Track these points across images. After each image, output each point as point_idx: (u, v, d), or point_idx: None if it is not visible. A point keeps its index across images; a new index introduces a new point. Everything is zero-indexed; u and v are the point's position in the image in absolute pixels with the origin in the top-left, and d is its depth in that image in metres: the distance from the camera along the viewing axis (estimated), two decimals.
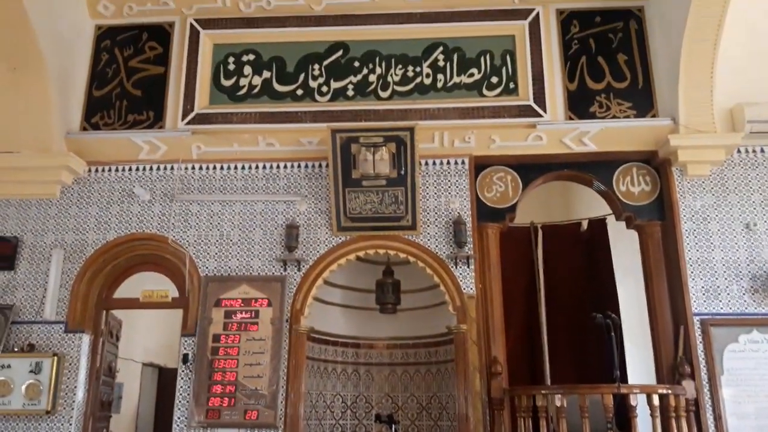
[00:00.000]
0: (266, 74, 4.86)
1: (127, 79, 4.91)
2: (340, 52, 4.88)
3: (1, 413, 4.29)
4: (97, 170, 4.79)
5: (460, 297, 4.35)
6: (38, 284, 4.56)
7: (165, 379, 7.23)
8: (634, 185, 4.54)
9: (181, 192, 4.66)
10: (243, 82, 4.85)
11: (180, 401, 4.32)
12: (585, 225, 5.24)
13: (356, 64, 4.85)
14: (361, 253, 4.57)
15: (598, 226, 5.19)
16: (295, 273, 4.48)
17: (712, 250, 4.36)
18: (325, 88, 4.82)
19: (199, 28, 4.90)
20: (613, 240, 5.12)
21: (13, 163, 4.66)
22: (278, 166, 4.72)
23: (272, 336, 4.35)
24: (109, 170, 4.78)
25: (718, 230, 4.40)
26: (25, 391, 4.29)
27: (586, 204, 5.37)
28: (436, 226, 4.52)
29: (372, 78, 4.82)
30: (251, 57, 4.89)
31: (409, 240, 4.50)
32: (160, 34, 4.97)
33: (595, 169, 4.59)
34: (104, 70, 4.94)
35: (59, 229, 4.68)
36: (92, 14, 5.00)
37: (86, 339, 4.51)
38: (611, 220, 4.95)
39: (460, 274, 4.40)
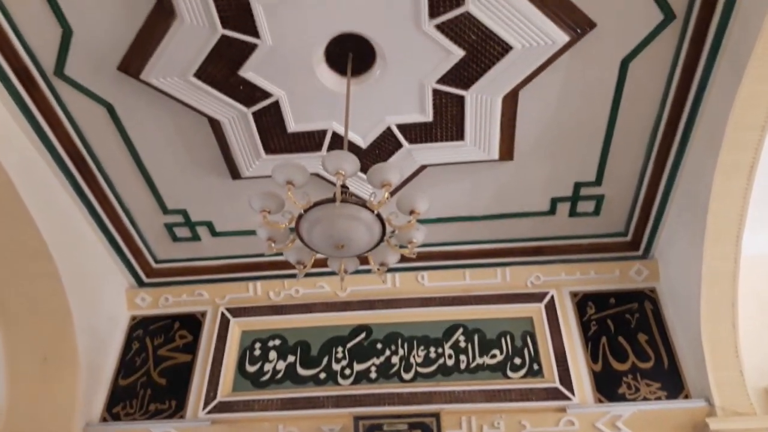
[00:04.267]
0: (290, 359, 4.92)
1: (154, 368, 4.98)
2: (363, 335, 5.00)
3: None
4: None
5: None
6: None
7: None
8: None
9: None
10: (267, 367, 4.90)
11: None
12: None
13: (379, 346, 4.93)
14: None
15: None
16: None
17: None
18: (348, 371, 4.83)
19: (229, 316, 5.13)
20: None
21: None
22: None
23: None
24: None
25: None
26: None
27: None
28: None
29: (394, 360, 4.85)
30: (277, 342, 5.01)
31: None
32: (192, 323, 5.19)
33: None
34: (133, 359, 5.05)
35: None
36: (129, 306, 5.30)
37: None
38: None
39: None
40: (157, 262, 5.41)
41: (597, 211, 4.93)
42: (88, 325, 4.74)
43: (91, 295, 4.84)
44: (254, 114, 4.09)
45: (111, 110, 4.09)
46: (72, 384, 4.62)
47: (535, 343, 4.81)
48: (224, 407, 4.67)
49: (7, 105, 3.79)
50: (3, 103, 3.76)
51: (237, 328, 5.10)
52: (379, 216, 2.96)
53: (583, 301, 4.99)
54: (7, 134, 3.83)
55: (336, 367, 4.86)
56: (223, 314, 5.15)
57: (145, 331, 5.19)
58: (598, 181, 4.66)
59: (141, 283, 5.37)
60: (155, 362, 5.01)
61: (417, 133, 4.24)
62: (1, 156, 3.75)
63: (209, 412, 4.65)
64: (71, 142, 4.23)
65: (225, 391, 4.77)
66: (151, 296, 5.32)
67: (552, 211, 4.94)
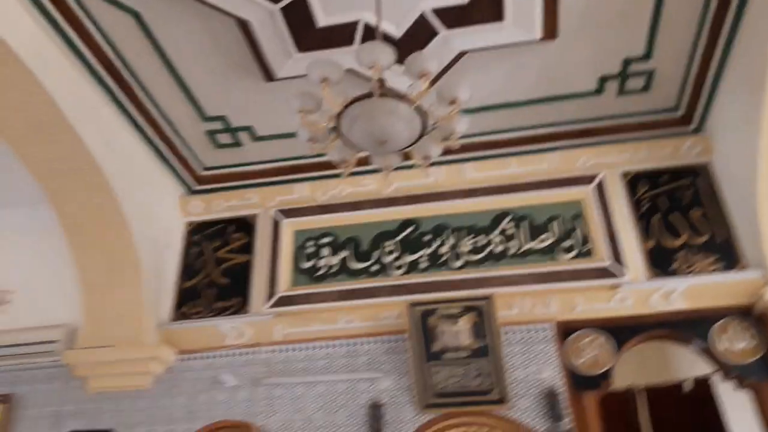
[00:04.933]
0: (343, 254, 5.07)
1: (214, 269, 5.22)
2: (411, 228, 5.07)
3: None
4: (185, 359, 4.96)
5: None
6: None
7: None
8: (735, 342, 4.25)
9: (266, 375, 4.72)
10: (321, 263, 5.07)
11: None
12: (689, 385, 4.87)
13: (427, 237, 5.01)
14: None
15: (703, 384, 4.81)
16: None
17: None
18: (399, 263, 4.95)
19: (280, 217, 5.26)
20: (724, 395, 4.71)
21: (107, 357, 4.88)
22: (358, 343, 4.75)
23: None
24: (197, 358, 4.94)
25: None
26: None
27: (687, 362, 5.03)
28: (528, 398, 4.32)
29: (444, 250, 4.93)
30: (328, 239, 5.15)
31: (500, 416, 4.28)
32: (245, 225, 5.36)
33: (690, 327, 4.35)
34: (193, 263, 5.30)
35: (150, 420, 4.76)
36: (184, 213, 5.49)
37: None
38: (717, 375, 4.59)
39: None
40: (204, 169, 5.54)
41: (647, 87, 4.70)
42: (146, 234, 4.95)
43: (145, 205, 5.02)
44: (282, 10, 3.95)
45: (138, 18, 4.03)
46: (138, 289, 4.91)
47: (585, 225, 4.79)
48: (285, 301, 4.91)
49: (39, 24, 3.77)
50: (35, 22, 3.73)
51: (288, 228, 5.25)
52: (419, 108, 2.89)
53: (634, 181, 4.88)
54: (44, 54, 3.83)
55: (387, 259, 4.98)
56: (274, 217, 5.29)
57: (201, 236, 5.40)
58: (648, 56, 4.40)
59: (192, 191, 5.53)
60: (215, 264, 5.24)
61: (453, 16, 4.04)
62: (41, 76, 3.78)
63: (272, 306, 4.90)
64: (105, 56, 4.22)
65: (284, 286, 4.99)
66: (203, 202, 5.48)
67: (599, 90, 4.73)
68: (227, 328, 4.92)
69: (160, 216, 5.23)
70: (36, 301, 5.50)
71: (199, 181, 5.52)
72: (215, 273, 5.21)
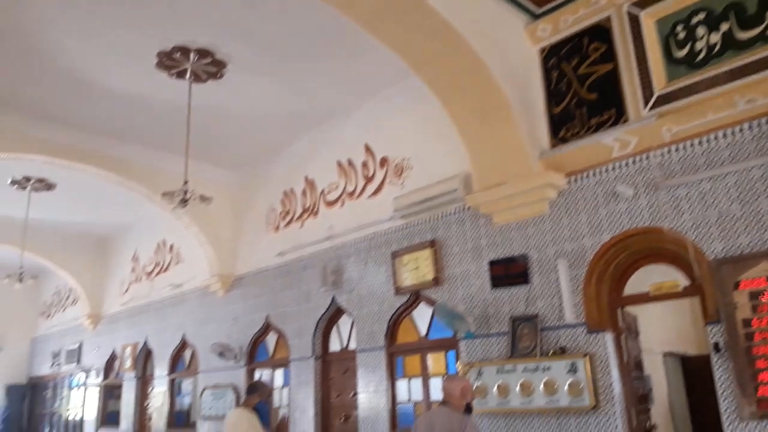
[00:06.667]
0: (724, 27, 4.34)
1: (580, 87, 5.07)
2: None
3: (553, 410, 4.85)
4: (575, 179, 5.08)
5: None
6: (552, 293, 5.05)
7: (689, 368, 7.03)
8: None
9: (664, 179, 4.52)
10: (699, 45, 4.44)
11: (722, 392, 4.09)
12: None
13: None
14: None
15: None
16: None
17: None
18: None
19: (636, 10, 4.74)
20: None
21: (504, 192, 5.34)
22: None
23: None
24: (587, 176, 5.00)
25: None
26: (567, 389, 4.76)
27: None
28: None
29: None
30: (701, 16, 4.45)
31: None
32: (599, 32, 4.99)
33: None
34: (557, 87, 5.22)
35: (557, 240, 5.11)
36: (533, 41, 5.39)
37: (608, 337, 4.73)
38: None
39: None
40: None
41: None
42: (505, 73, 5.07)
43: (497, 44, 5.10)
44: None
45: None
46: (513, 127, 5.14)
47: None
48: (665, 99, 4.52)
49: None
50: None
51: (648, 19, 4.70)
52: None
53: None
54: None
55: None
56: (628, 12, 4.79)
57: (557, 58, 5.26)
58: None
59: (535, 16, 5.35)
60: (579, 81, 5.08)
61: None
62: None
63: (651, 108, 4.57)
64: None
65: (660, 83, 4.57)
66: (550, 24, 5.28)
67: None
68: (610, 140, 4.80)
69: (512, 51, 5.28)
70: (429, 163, 6.27)
71: (539, 3, 5.28)
72: (582, 91, 5.06)
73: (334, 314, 7.30)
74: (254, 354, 8.42)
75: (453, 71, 5.10)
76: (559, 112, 5.17)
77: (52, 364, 14.34)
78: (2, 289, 12.05)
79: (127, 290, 11.78)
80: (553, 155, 5.12)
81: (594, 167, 4.95)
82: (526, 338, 5.11)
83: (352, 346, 6.95)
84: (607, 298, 4.84)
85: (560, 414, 4.83)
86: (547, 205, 5.20)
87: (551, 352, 4.93)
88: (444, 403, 3.88)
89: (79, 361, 13.07)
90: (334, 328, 7.37)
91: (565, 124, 5.12)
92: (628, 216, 4.70)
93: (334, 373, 7.21)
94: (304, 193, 7.98)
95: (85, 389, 12.65)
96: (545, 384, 4.87)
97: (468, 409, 3.89)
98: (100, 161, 7.95)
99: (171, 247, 10.60)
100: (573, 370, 4.75)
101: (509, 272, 5.37)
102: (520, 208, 5.35)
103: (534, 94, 5.32)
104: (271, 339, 8.25)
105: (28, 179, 9.17)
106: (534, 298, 5.17)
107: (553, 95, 5.24)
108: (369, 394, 6.46)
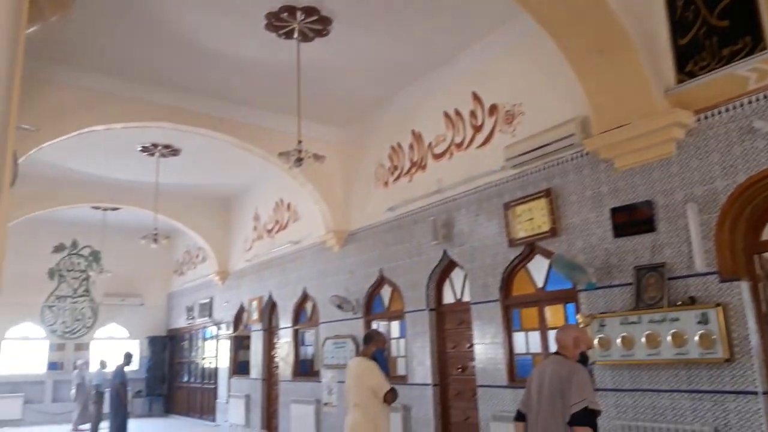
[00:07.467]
0: None
1: (710, 14, 4.60)
2: None
3: (682, 362, 4.60)
4: (706, 117, 4.66)
5: None
6: (681, 240, 4.73)
7: None
8: None
9: None
10: None
11: None
12: None
13: None
14: None
15: None
16: None
17: None
18: None
19: None
20: None
21: (625, 135, 5.02)
22: None
23: None
24: (719, 113, 4.58)
25: None
26: (698, 341, 4.49)
27: None
28: None
29: None
30: None
31: None
32: None
33: None
34: (683, 16, 4.77)
35: (686, 184, 4.75)
36: None
37: (744, 286, 4.38)
38: None
39: None
40: None
41: None
42: (622, 2, 4.71)
43: None
44: None
45: None
46: (634, 62, 4.79)
47: None
48: None
49: None
50: None
51: None
52: None
53: None
54: None
55: None
56: None
57: None
58: None
59: None
60: (708, 9, 4.61)
61: None
62: None
63: None
64: None
65: None
66: None
67: None
68: (745, 71, 4.35)
69: None
70: (543, 108, 6.02)
71: None
72: (712, 18, 4.59)
73: (446, 267, 7.33)
74: (371, 306, 8.68)
75: (567, 5, 4.80)
76: (685, 44, 4.74)
77: (187, 317, 15.63)
78: (141, 250, 13.16)
79: (250, 248, 12.48)
80: (680, 91, 4.72)
81: (727, 102, 4.51)
82: (651, 288, 4.86)
83: (466, 298, 6.96)
84: (743, 244, 4.46)
85: (690, 366, 4.58)
86: (674, 146, 4.83)
87: (679, 302, 4.66)
88: (557, 353, 3.81)
89: (210, 315, 14.14)
90: (447, 281, 7.41)
91: (692, 56, 4.68)
92: (766, 154, 4.27)
93: (449, 325, 7.29)
94: (411, 147, 7.97)
95: (218, 340, 13.70)
96: (673, 336, 4.62)
97: (583, 358, 3.78)
98: (217, 125, 8.36)
99: (288, 206, 11.06)
100: (704, 320, 4.47)
101: (633, 219, 5.09)
102: (644, 151, 5.01)
103: (657, 26, 4.90)
104: (385, 292, 8.45)
105: (155, 146, 9.88)
106: (660, 247, 4.88)
107: (678, 25, 4.79)
108: (485, 346, 6.48)
